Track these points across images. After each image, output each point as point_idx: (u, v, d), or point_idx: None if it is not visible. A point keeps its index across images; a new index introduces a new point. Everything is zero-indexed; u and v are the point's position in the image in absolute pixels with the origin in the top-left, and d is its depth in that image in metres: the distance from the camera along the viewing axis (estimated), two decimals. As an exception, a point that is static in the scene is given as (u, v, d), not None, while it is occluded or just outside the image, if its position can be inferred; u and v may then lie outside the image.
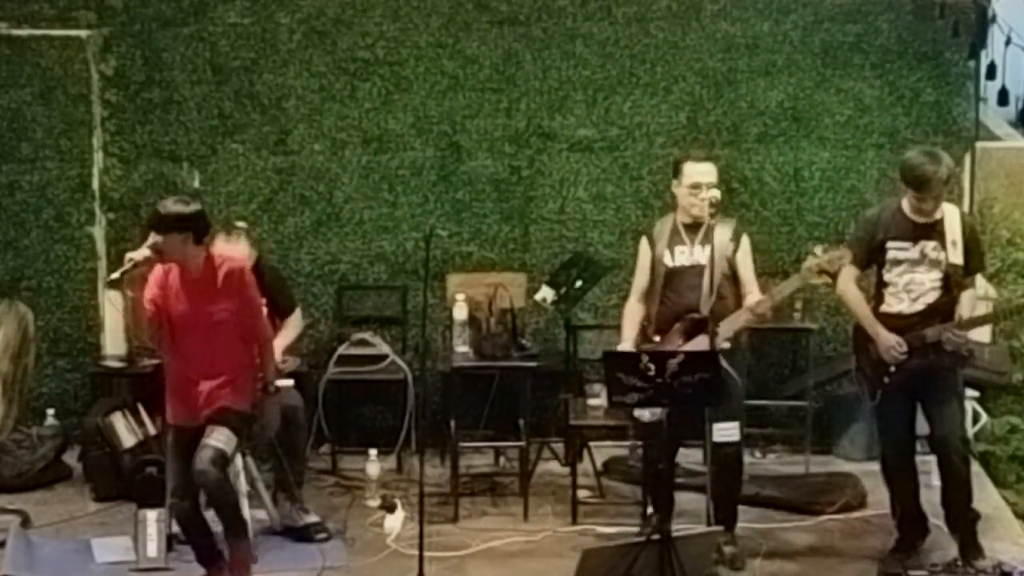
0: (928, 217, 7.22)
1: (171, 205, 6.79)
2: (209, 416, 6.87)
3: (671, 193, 7.62)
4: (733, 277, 7.46)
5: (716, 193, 7.34)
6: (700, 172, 7.45)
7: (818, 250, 7.20)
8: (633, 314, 7.63)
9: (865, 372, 7.39)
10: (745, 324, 7.39)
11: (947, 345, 7.21)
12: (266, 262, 8.07)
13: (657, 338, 7.49)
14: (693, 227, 7.47)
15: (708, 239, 7.38)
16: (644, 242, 7.63)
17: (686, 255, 7.47)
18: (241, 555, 6.97)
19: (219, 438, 6.84)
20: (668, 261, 7.50)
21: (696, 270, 7.42)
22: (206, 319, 6.81)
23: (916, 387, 7.30)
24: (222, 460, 6.84)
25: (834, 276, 7.30)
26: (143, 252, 6.74)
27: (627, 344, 7.55)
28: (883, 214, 7.34)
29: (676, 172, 7.54)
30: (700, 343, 7.31)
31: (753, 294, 7.44)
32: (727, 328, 7.30)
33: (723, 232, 7.43)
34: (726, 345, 7.34)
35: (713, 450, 7.39)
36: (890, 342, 7.21)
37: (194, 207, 6.82)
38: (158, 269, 6.84)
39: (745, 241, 7.49)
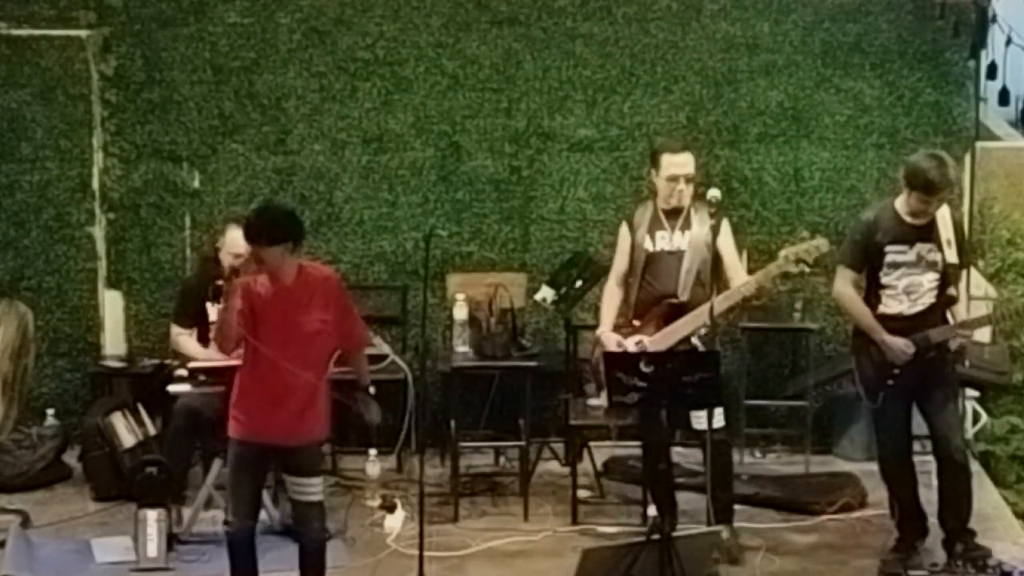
0: (923, 219, 7.23)
1: (267, 215, 6.55)
2: (300, 450, 6.70)
3: (650, 181, 7.66)
4: (714, 262, 7.48)
5: (716, 193, 7.37)
6: (676, 164, 7.54)
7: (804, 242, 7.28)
8: (611, 298, 7.72)
9: (867, 375, 7.38)
10: (729, 307, 7.44)
11: (952, 345, 7.24)
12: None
13: (636, 322, 7.56)
14: (673, 213, 7.56)
15: (688, 225, 7.49)
16: (624, 227, 7.71)
17: (666, 240, 7.56)
18: None
19: (318, 489, 6.78)
20: (648, 246, 7.58)
21: (675, 256, 7.53)
22: (298, 330, 6.55)
23: (913, 387, 7.31)
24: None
25: (811, 265, 7.35)
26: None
27: (605, 328, 7.64)
28: (879, 217, 7.34)
29: (654, 163, 7.62)
30: (674, 330, 7.41)
31: (738, 277, 7.49)
32: (695, 319, 7.36)
33: (703, 217, 7.50)
34: (702, 330, 7.40)
35: (697, 438, 7.41)
36: (899, 344, 7.21)
37: (290, 214, 6.62)
38: (243, 283, 6.59)
39: (725, 223, 7.52)
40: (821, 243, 7.34)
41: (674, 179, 7.51)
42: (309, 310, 6.59)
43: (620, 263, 7.72)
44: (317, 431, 6.75)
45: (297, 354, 6.57)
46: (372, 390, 6.99)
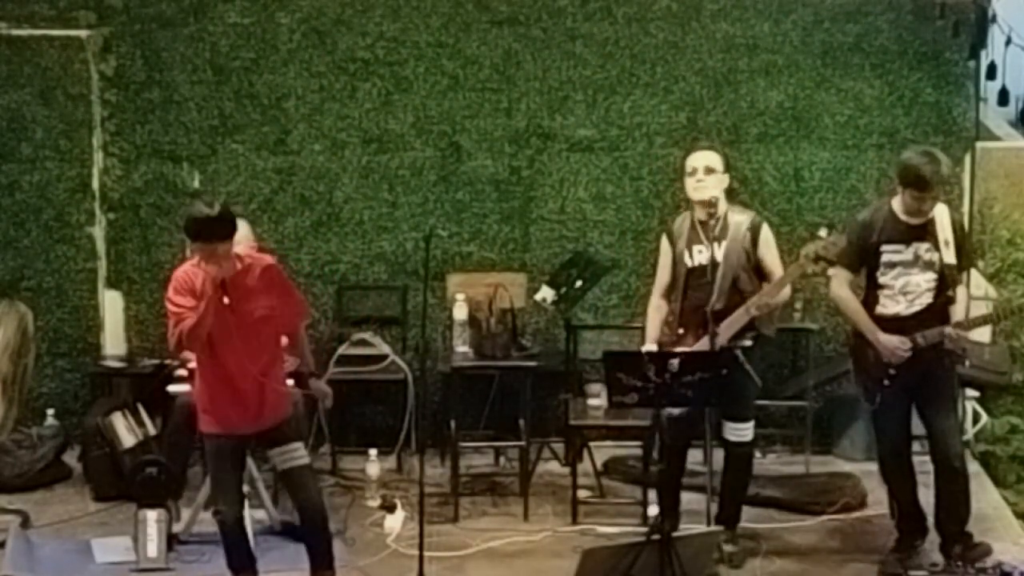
0: (920, 218, 7.23)
1: (212, 210, 6.57)
2: (275, 427, 6.80)
3: (685, 194, 7.62)
4: (756, 269, 7.45)
5: (716, 193, 7.37)
6: (695, 158, 7.50)
7: (821, 235, 7.25)
8: (656, 312, 7.63)
9: (865, 375, 7.38)
10: (756, 316, 7.38)
11: (948, 345, 7.23)
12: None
13: (681, 331, 7.49)
14: (709, 224, 7.46)
15: (724, 234, 7.38)
16: (664, 240, 7.62)
17: (704, 253, 7.45)
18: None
19: (303, 452, 6.87)
20: (688, 260, 7.49)
21: (713, 267, 7.41)
22: (247, 318, 6.65)
23: (913, 388, 7.30)
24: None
25: (831, 263, 7.32)
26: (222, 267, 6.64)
27: (651, 344, 7.56)
28: (875, 217, 7.34)
29: (681, 169, 7.58)
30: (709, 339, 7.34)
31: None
32: (731, 325, 7.30)
33: (739, 224, 7.44)
34: (748, 343, 7.37)
35: (726, 448, 7.43)
36: (893, 343, 7.20)
37: (225, 207, 6.69)
38: (185, 277, 6.68)
39: (765, 231, 7.47)
40: (839, 238, 7.22)
41: (692, 172, 7.45)
42: (256, 297, 6.69)
43: (663, 276, 7.61)
44: (281, 410, 6.84)
45: (249, 342, 6.66)
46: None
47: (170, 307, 6.73)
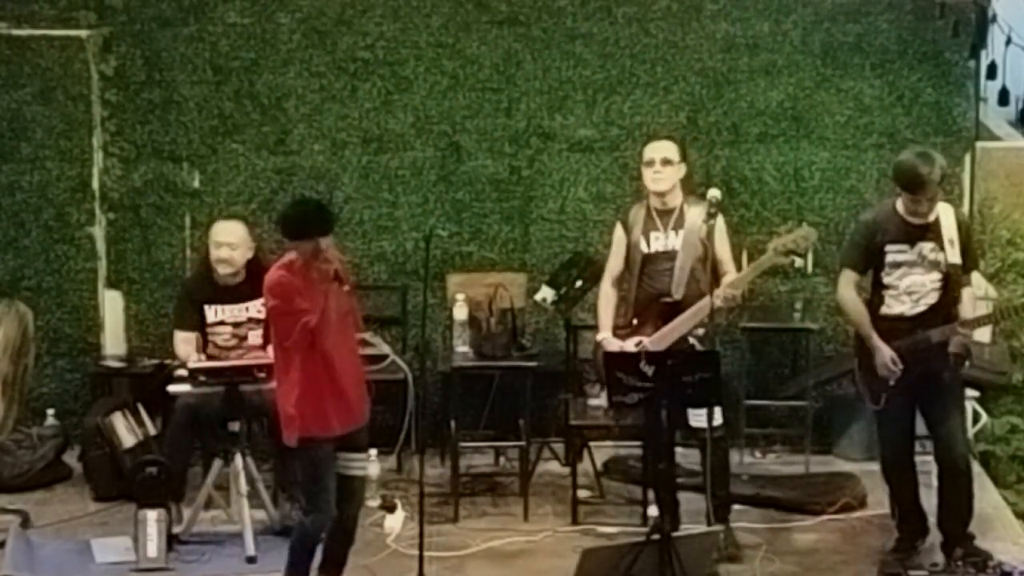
0: (924, 218, 7.22)
1: (311, 204, 6.95)
2: (358, 430, 6.86)
3: (642, 182, 7.72)
4: (708, 258, 7.50)
5: (716, 193, 7.41)
6: (651, 148, 7.61)
7: (782, 230, 7.33)
8: (607, 300, 7.75)
9: (870, 376, 7.37)
10: (720, 307, 7.42)
11: (952, 346, 7.22)
12: (266, 257, 8.05)
13: (635, 321, 7.58)
14: (665, 212, 7.58)
15: (680, 223, 7.50)
16: (619, 228, 7.74)
17: (660, 241, 7.58)
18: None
19: (365, 465, 7.03)
20: (644, 247, 7.60)
21: (670, 255, 7.54)
22: (340, 311, 6.69)
23: (917, 389, 7.29)
24: None
25: (801, 255, 7.37)
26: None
27: (606, 332, 7.66)
28: (879, 217, 7.34)
29: (640, 158, 7.68)
30: (672, 329, 7.42)
31: (729, 274, 7.52)
32: (695, 314, 7.37)
33: (696, 214, 7.52)
34: (701, 331, 7.44)
35: (694, 436, 7.42)
36: (886, 359, 7.18)
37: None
38: (285, 281, 6.66)
39: (720, 222, 7.51)
40: (809, 231, 7.32)
41: (650, 163, 7.56)
42: (342, 292, 6.73)
43: (615, 263, 7.74)
44: (367, 407, 6.94)
45: (345, 335, 6.75)
46: None
47: (283, 316, 6.65)
